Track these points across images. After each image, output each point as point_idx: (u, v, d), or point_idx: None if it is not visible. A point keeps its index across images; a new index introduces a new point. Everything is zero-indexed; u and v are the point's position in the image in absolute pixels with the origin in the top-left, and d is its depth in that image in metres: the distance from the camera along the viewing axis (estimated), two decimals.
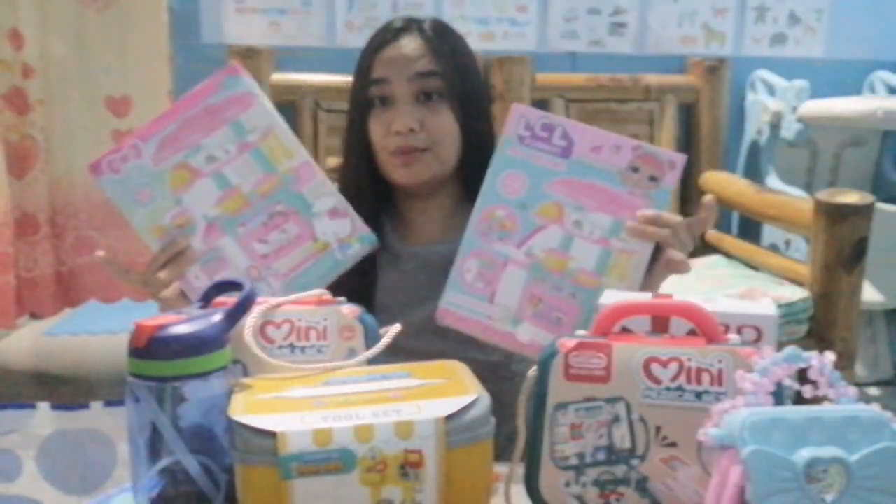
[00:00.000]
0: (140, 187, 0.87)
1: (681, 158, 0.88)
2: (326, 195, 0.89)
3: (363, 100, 1.02)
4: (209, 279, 0.86)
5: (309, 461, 0.52)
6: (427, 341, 0.96)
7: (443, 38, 1.02)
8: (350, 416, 0.54)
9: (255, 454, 0.53)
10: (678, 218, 0.88)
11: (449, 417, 0.54)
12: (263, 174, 0.88)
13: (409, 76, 0.99)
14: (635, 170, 0.87)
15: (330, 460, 0.52)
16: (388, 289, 1.03)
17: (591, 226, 0.87)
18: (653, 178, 0.87)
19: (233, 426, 0.54)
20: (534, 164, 0.87)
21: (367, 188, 1.04)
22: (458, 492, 0.55)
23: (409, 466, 0.53)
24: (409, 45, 1.00)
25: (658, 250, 0.88)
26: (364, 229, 0.91)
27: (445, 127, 1.01)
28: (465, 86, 1.02)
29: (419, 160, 1.00)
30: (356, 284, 0.97)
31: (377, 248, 1.00)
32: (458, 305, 0.87)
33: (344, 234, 0.90)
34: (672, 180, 0.87)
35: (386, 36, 1.02)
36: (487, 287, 0.86)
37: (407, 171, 1.01)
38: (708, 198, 0.91)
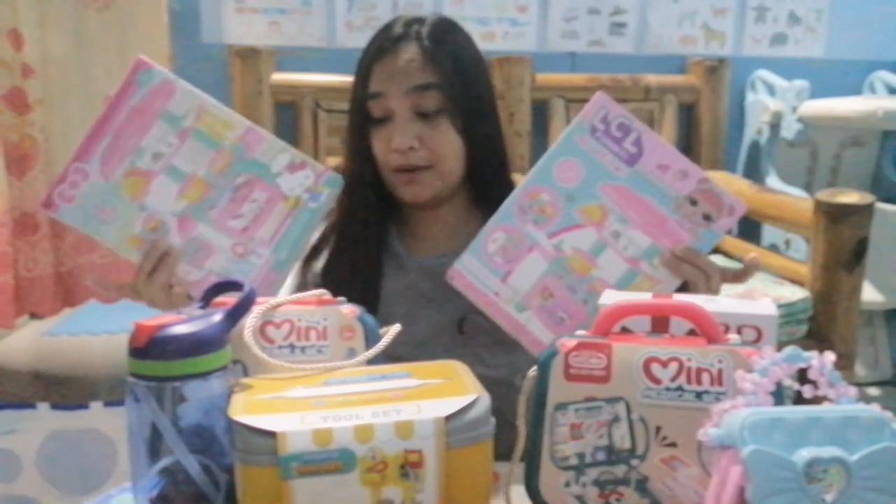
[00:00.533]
0: (100, 206, 0.86)
1: (742, 207, 0.84)
2: (280, 152, 0.87)
3: (363, 113, 0.98)
4: (200, 270, 0.86)
5: (309, 461, 0.52)
6: (430, 352, 0.94)
7: (443, 45, 0.97)
8: (350, 416, 0.54)
9: (255, 454, 0.53)
10: (715, 265, 0.85)
11: (449, 417, 0.54)
12: (213, 153, 0.86)
13: (405, 90, 0.94)
14: (693, 202, 0.84)
15: (330, 460, 0.52)
16: (392, 297, 1.01)
17: (628, 241, 0.84)
18: (707, 217, 0.84)
19: (233, 426, 0.54)
20: (596, 160, 0.84)
21: (373, 196, 1.00)
22: (458, 492, 0.55)
23: (409, 466, 0.53)
24: (406, 55, 0.95)
25: (683, 288, 0.86)
26: (327, 173, 0.89)
27: (446, 143, 0.96)
28: (468, 94, 0.97)
29: (421, 179, 0.96)
30: (360, 292, 0.94)
31: (383, 254, 1.00)
32: (471, 271, 0.86)
33: (309, 183, 0.88)
34: (726, 225, 0.84)
35: (385, 44, 0.97)
36: (506, 264, 0.85)
37: (409, 189, 0.97)
38: (752, 256, 0.86)
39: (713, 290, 0.85)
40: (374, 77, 0.96)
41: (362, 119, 0.98)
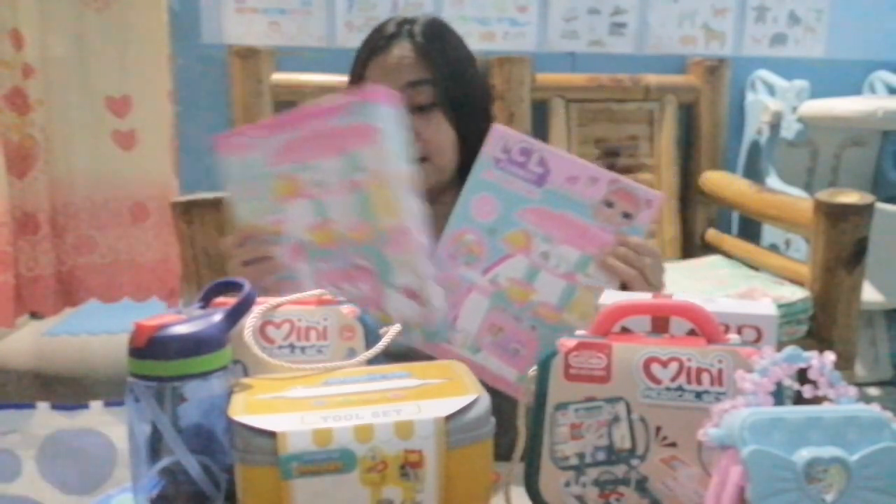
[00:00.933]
0: (252, 180, 0.82)
1: (658, 197, 0.84)
2: (410, 271, 0.82)
3: None
4: (278, 294, 0.80)
5: (309, 461, 0.52)
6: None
7: (435, 43, 1.00)
8: (350, 416, 0.54)
9: (256, 454, 0.53)
10: (648, 259, 0.84)
11: (449, 417, 0.54)
12: (360, 221, 0.80)
13: (399, 86, 0.97)
14: (609, 205, 0.84)
15: (330, 460, 0.52)
16: None
17: (558, 259, 0.84)
18: (626, 215, 0.84)
19: (233, 426, 0.54)
20: (507, 189, 0.84)
21: None
22: (458, 492, 0.55)
23: (409, 466, 0.53)
24: (400, 52, 0.98)
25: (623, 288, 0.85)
26: (432, 322, 0.84)
27: (440, 136, 0.99)
28: (460, 90, 1.00)
29: (416, 171, 0.99)
30: None
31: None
32: None
33: (411, 317, 0.82)
34: (646, 219, 0.84)
35: (379, 42, 1.00)
36: (451, 311, 0.84)
37: None
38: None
39: (654, 284, 0.84)
40: (368, 74, 0.99)
41: None
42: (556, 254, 0.83)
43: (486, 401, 0.57)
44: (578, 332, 0.64)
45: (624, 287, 0.84)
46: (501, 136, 0.85)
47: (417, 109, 0.97)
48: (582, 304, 0.82)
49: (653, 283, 0.84)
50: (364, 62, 1.00)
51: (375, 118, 0.78)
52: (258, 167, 0.81)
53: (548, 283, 0.84)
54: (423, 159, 0.98)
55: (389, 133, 0.79)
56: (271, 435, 0.52)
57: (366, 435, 0.53)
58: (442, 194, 1.04)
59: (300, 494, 0.52)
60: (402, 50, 0.98)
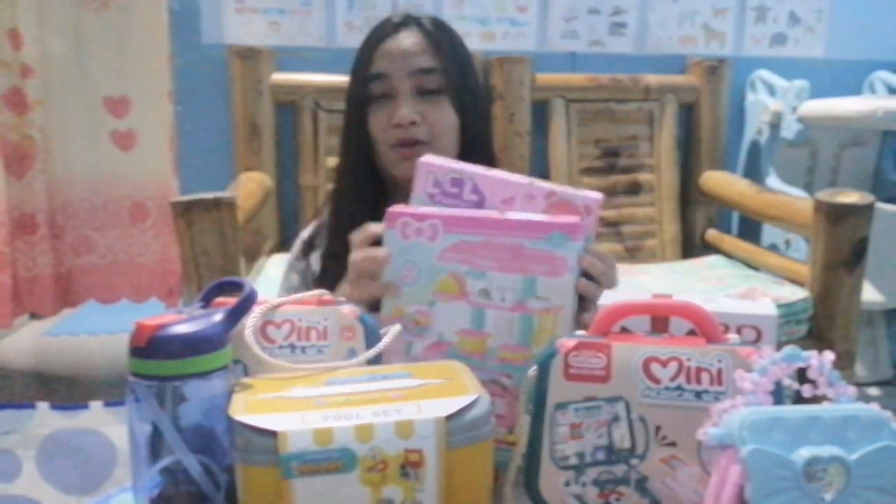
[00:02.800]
0: (411, 265, 0.75)
1: (596, 201, 0.77)
2: None
3: (362, 95, 1.02)
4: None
5: (309, 460, 0.52)
6: None
7: (442, 34, 1.03)
8: (350, 416, 0.54)
9: (256, 454, 0.53)
10: (602, 263, 0.76)
11: (449, 417, 0.54)
12: (517, 344, 0.74)
13: (409, 71, 0.99)
14: None
15: (330, 460, 0.52)
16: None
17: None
18: None
19: (233, 426, 0.54)
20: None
21: (366, 185, 1.04)
22: (458, 492, 0.55)
23: (409, 466, 0.53)
24: (408, 39, 1.01)
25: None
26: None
27: (446, 120, 1.01)
28: (465, 82, 1.03)
29: (420, 153, 0.96)
30: None
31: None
32: None
33: None
34: (589, 226, 0.76)
35: (385, 30, 1.02)
36: None
37: (408, 164, 0.98)
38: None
39: (611, 283, 0.78)
40: (375, 60, 1.01)
41: (361, 103, 1.02)
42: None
43: (486, 401, 0.57)
44: (578, 332, 0.64)
45: (581, 298, 0.76)
46: (430, 170, 0.80)
47: (424, 95, 1.00)
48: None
49: (608, 287, 0.77)
50: (371, 48, 1.02)
51: (570, 252, 0.73)
52: (425, 255, 0.76)
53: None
54: (426, 143, 1.00)
55: (574, 269, 0.74)
56: (272, 434, 0.52)
57: (366, 434, 0.53)
58: None
59: (301, 494, 0.52)
60: (411, 37, 1.01)
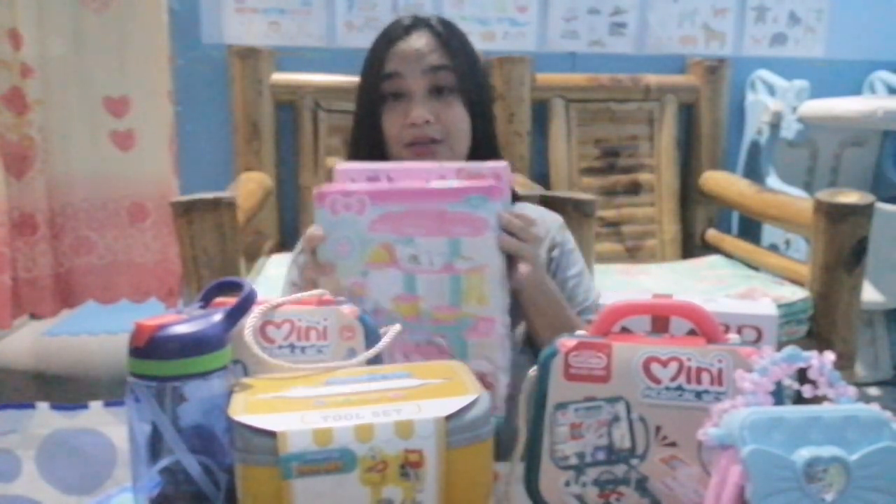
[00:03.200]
0: (343, 241, 0.80)
1: (504, 167, 0.81)
2: (485, 357, 0.79)
3: (375, 95, 1.03)
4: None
5: (309, 461, 0.52)
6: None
7: (452, 34, 1.04)
8: (350, 416, 0.54)
9: (256, 454, 0.53)
10: (521, 221, 0.81)
11: (449, 417, 0.54)
12: (448, 305, 0.79)
13: (422, 70, 1.00)
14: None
15: (330, 460, 0.52)
16: None
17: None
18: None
19: (233, 426, 0.54)
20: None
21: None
22: (458, 492, 0.55)
23: (409, 466, 0.53)
24: (420, 40, 1.02)
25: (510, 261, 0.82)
26: (500, 411, 0.80)
27: (458, 119, 1.02)
28: (475, 81, 1.04)
29: (434, 152, 1.01)
30: None
31: None
32: None
33: None
34: (502, 190, 0.80)
35: (396, 31, 1.03)
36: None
37: (427, 160, 1.00)
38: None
39: (533, 239, 0.83)
40: (388, 60, 1.02)
41: (374, 103, 1.03)
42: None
43: (486, 401, 0.57)
44: (578, 332, 0.64)
45: (511, 260, 0.81)
46: (347, 174, 0.82)
47: (437, 94, 1.01)
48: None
49: (529, 243, 0.82)
50: (384, 49, 1.03)
51: (489, 212, 0.77)
52: (356, 229, 0.79)
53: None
54: (440, 141, 1.01)
55: (495, 228, 0.78)
56: (271, 435, 0.52)
57: (366, 435, 0.53)
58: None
59: (300, 494, 0.52)
60: (422, 38, 1.02)
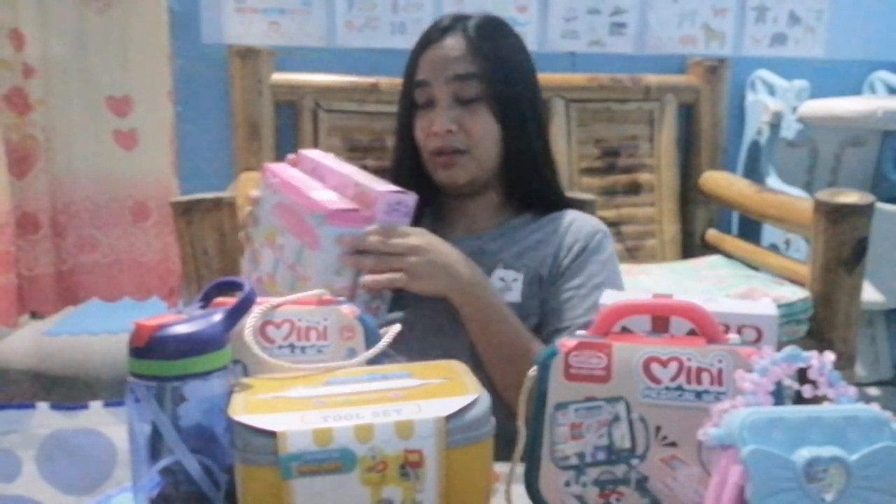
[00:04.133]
0: (261, 210, 0.94)
1: (383, 193, 0.86)
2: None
3: (409, 101, 1.03)
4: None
5: (309, 461, 0.52)
6: (443, 338, 0.97)
7: (487, 38, 1.00)
8: (350, 416, 0.54)
9: (256, 454, 0.53)
10: (413, 258, 0.86)
11: (449, 417, 0.54)
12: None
13: (447, 78, 0.98)
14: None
15: (330, 460, 0.52)
16: None
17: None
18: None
19: (233, 426, 0.54)
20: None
21: (413, 184, 1.04)
22: (458, 492, 0.55)
23: (409, 466, 0.53)
24: (451, 45, 0.99)
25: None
26: None
27: (484, 129, 0.99)
28: (508, 88, 1.00)
29: (457, 162, 0.99)
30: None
31: None
32: None
33: None
34: (381, 215, 0.86)
35: (433, 35, 1.01)
36: None
37: (446, 172, 1.01)
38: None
39: (409, 267, 0.86)
40: (420, 67, 1.01)
41: (409, 108, 1.03)
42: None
43: (486, 401, 0.57)
44: (579, 333, 0.64)
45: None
46: (302, 158, 0.96)
47: (463, 102, 0.99)
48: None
49: (421, 278, 0.86)
50: (418, 53, 1.02)
51: (325, 234, 0.84)
52: (267, 205, 0.91)
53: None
54: (463, 151, 0.99)
55: (326, 249, 0.84)
56: (271, 435, 0.52)
57: (366, 435, 0.53)
58: (484, 189, 1.05)
59: (300, 494, 0.52)
60: (453, 42, 1.00)
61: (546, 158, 1.06)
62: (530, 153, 1.03)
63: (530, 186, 1.04)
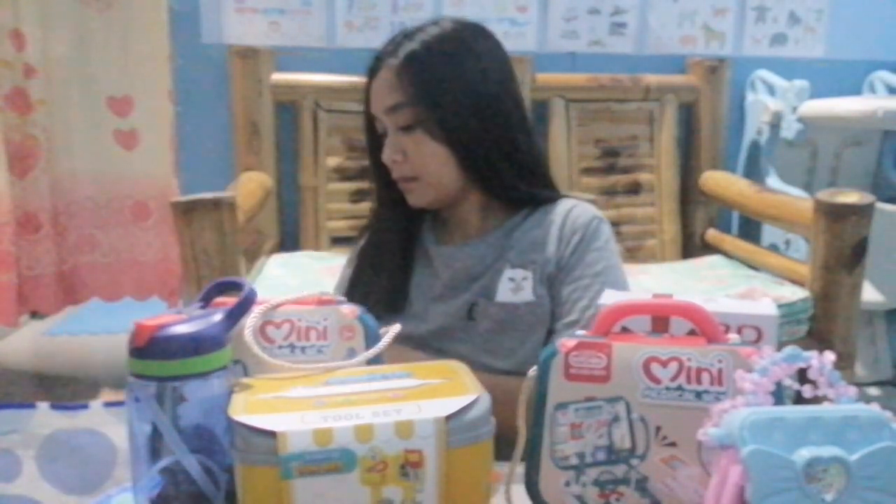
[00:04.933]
0: None
1: None
2: None
3: (372, 129, 1.04)
4: None
5: (309, 461, 0.52)
6: (444, 338, 0.98)
7: (416, 62, 0.97)
8: (350, 416, 0.54)
9: (256, 454, 0.53)
10: None
11: (449, 417, 0.54)
12: None
13: (384, 110, 0.99)
14: None
15: (330, 460, 0.52)
16: (419, 286, 1.04)
17: None
18: None
19: (233, 426, 0.54)
20: None
21: (400, 200, 1.04)
22: (458, 491, 0.55)
23: (409, 466, 0.53)
24: (382, 76, 0.99)
25: None
26: None
27: (427, 154, 0.98)
28: (444, 107, 0.97)
29: (413, 189, 1.01)
30: (393, 280, 1.02)
31: (415, 248, 1.05)
32: None
33: None
34: None
35: (373, 65, 1.01)
36: None
37: (410, 196, 1.02)
38: None
39: None
40: (369, 99, 1.02)
41: (373, 136, 1.04)
42: None
43: (486, 401, 0.57)
44: (579, 332, 0.64)
45: None
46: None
47: (403, 129, 0.98)
48: None
49: None
50: (366, 89, 1.03)
51: None
52: None
53: None
54: (414, 178, 1.00)
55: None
56: (271, 435, 0.52)
57: (366, 435, 0.53)
58: (462, 200, 1.04)
59: (300, 494, 0.52)
60: (383, 73, 0.99)
61: (525, 157, 1.02)
62: (498, 158, 1.00)
63: (513, 186, 1.01)
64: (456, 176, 1.00)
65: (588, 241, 0.99)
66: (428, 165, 0.98)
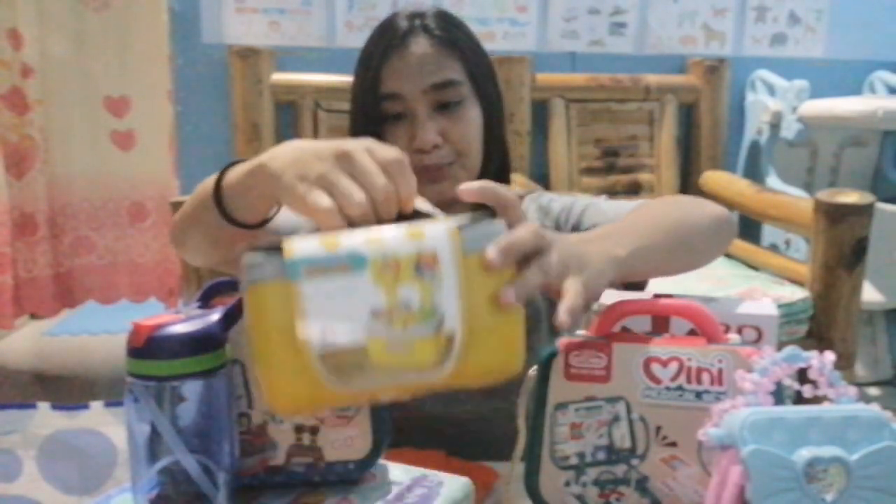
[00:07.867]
0: None
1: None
2: None
3: (374, 115, 0.90)
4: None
5: (317, 262, 0.49)
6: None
7: (453, 34, 0.91)
8: (363, 234, 0.51)
9: (263, 269, 0.50)
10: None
11: (461, 227, 0.51)
12: None
13: (423, 89, 0.88)
14: None
15: (339, 261, 0.50)
16: None
17: None
18: None
19: (243, 259, 0.51)
20: None
21: None
22: (479, 298, 0.51)
23: (424, 267, 0.50)
24: (419, 51, 0.89)
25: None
26: None
27: (470, 134, 0.91)
28: (487, 81, 0.93)
29: (447, 175, 0.90)
30: None
31: None
32: None
33: None
34: None
35: (392, 41, 0.90)
36: None
37: (434, 188, 0.88)
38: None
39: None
40: (385, 78, 0.90)
41: (371, 120, 0.91)
42: None
43: (500, 224, 0.53)
44: (579, 332, 0.64)
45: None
46: None
47: (444, 109, 0.89)
48: None
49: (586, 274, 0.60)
50: (379, 64, 0.90)
51: None
52: None
53: None
54: (452, 163, 0.90)
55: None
56: (279, 250, 0.50)
57: (376, 242, 0.50)
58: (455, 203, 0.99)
59: (311, 298, 0.49)
60: (420, 47, 0.89)
61: (508, 151, 0.99)
62: (502, 150, 0.96)
63: (500, 172, 0.96)
64: (480, 163, 0.93)
65: (577, 213, 0.94)
66: (470, 146, 0.91)
